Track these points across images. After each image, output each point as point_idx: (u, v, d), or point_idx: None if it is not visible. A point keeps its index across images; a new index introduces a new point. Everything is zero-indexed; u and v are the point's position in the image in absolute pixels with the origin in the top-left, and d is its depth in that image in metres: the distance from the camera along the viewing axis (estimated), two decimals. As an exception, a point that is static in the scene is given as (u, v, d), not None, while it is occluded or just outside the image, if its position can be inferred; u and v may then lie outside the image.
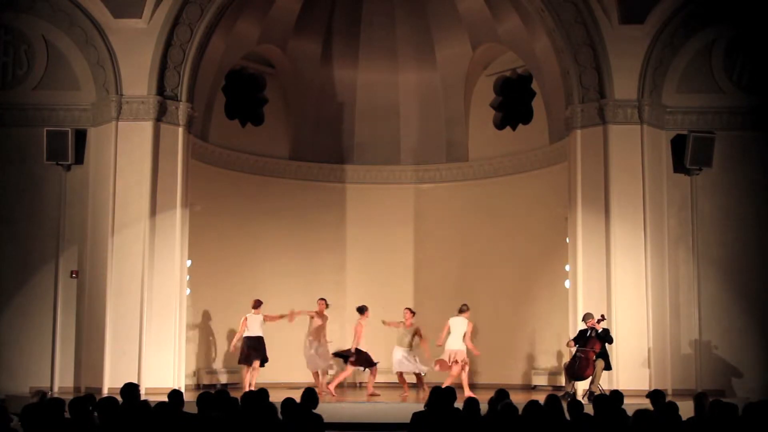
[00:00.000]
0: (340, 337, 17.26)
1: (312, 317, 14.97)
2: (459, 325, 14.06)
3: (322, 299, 15.10)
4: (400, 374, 14.71)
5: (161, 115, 14.18)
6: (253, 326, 14.34)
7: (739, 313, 14.39)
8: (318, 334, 14.91)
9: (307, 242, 17.70)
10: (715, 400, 8.00)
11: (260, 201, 17.37)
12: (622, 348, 13.72)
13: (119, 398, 8.02)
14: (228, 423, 7.28)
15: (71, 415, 7.36)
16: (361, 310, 14.71)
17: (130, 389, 8.18)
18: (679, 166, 14.46)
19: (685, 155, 14.24)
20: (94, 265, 14.00)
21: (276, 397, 7.74)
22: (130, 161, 13.97)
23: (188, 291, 14.81)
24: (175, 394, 8.38)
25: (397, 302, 16.12)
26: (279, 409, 7.45)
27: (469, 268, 17.56)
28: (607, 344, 13.26)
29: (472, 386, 14.61)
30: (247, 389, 13.57)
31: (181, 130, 14.35)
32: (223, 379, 16.44)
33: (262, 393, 7.92)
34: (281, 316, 14.83)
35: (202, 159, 16.00)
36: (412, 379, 14.98)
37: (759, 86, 14.67)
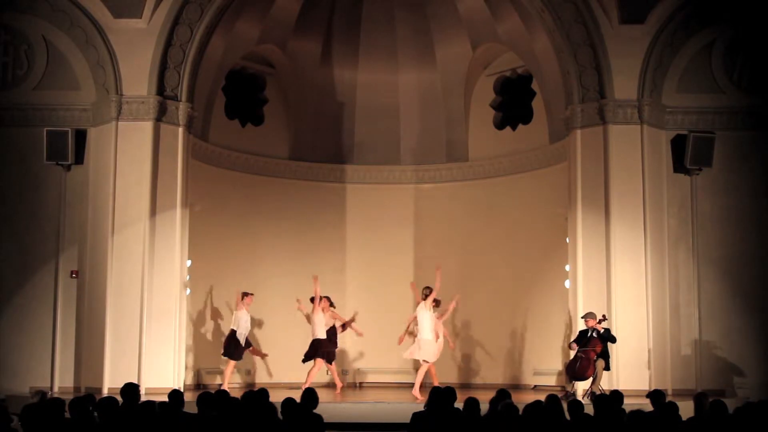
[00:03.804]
0: (340, 337, 17.25)
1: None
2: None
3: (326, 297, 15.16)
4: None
5: (161, 115, 14.18)
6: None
7: (739, 313, 14.40)
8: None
9: (307, 242, 17.69)
10: (715, 400, 8.00)
11: (260, 201, 17.36)
12: (622, 348, 13.72)
13: (119, 398, 8.02)
14: (228, 423, 7.28)
15: (71, 415, 7.37)
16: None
17: (130, 389, 8.17)
18: (679, 166, 14.46)
19: (685, 155, 14.24)
20: (94, 265, 14.00)
21: (276, 397, 7.75)
22: (130, 161, 13.97)
23: (188, 291, 14.81)
24: (175, 394, 8.38)
25: (397, 302, 16.11)
26: (279, 409, 7.45)
27: (469, 268, 17.54)
28: (609, 344, 13.24)
29: (472, 386, 14.57)
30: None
31: (181, 130, 14.35)
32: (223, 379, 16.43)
33: (262, 393, 7.92)
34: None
35: (202, 159, 15.99)
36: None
37: (759, 86, 14.68)
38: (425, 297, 13.76)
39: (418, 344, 13.62)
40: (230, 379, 14.71)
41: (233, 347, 14.60)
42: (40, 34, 14.48)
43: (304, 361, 14.68)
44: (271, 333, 16.52)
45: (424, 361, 13.63)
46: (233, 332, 14.63)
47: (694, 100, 14.64)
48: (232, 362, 14.72)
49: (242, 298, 14.69)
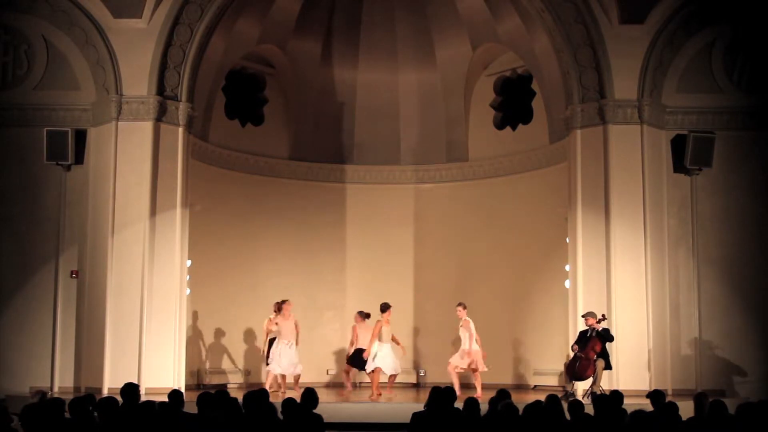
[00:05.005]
0: (340, 337, 17.29)
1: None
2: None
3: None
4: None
5: (161, 115, 14.17)
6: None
7: (739, 313, 14.40)
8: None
9: (307, 242, 17.70)
10: (715, 400, 8.00)
11: (260, 201, 17.36)
12: (622, 348, 13.72)
13: (119, 398, 8.02)
14: (228, 423, 7.28)
15: (71, 415, 7.37)
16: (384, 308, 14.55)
17: (130, 389, 8.18)
18: (679, 166, 14.46)
19: (685, 155, 14.24)
20: (94, 265, 14.00)
21: (276, 397, 7.75)
22: (130, 161, 13.97)
23: (188, 291, 14.81)
24: (175, 394, 8.38)
25: (397, 302, 16.07)
26: (279, 409, 7.45)
27: (468, 268, 17.56)
28: (607, 343, 13.25)
29: (472, 386, 14.55)
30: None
31: (181, 130, 14.35)
32: (224, 379, 16.45)
33: (262, 393, 7.92)
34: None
35: (202, 159, 15.99)
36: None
37: (759, 86, 14.68)
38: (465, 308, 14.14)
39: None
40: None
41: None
42: (40, 34, 14.48)
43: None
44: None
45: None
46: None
47: (694, 100, 14.65)
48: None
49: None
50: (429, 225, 18.05)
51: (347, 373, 15.59)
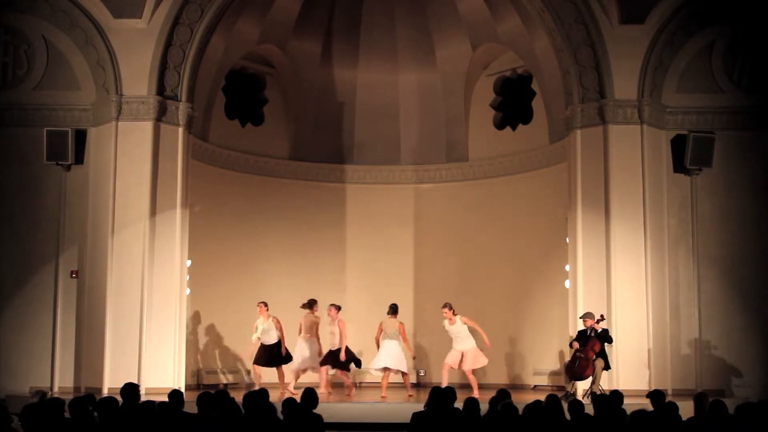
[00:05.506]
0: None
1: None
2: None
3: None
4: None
5: (161, 115, 14.18)
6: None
7: (739, 312, 14.40)
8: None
9: (307, 242, 17.70)
10: (715, 400, 8.00)
11: (260, 201, 17.37)
12: (622, 348, 13.73)
13: (119, 398, 8.02)
14: (228, 423, 7.28)
15: (71, 415, 7.37)
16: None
17: (130, 389, 8.18)
18: (679, 166, 14.47)
19: (685, 155, 14.24)
20: (94, 265, 14.01)
21: (276, 397, 7.75)
22: (130, 161, 13.98)
23: (188, 291, 14.81)
24: (175, 394, 8.38)
25: (396, 302, 16.10)
26: (279, 409, 7.45)
27: (469, 269, 17.56)
28: (606, 344, 13.25)
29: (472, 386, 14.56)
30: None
31: (181, 130, 14.35)
32: (224, 379, 16.45)
33: (262, 393, 7.92)
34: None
35: (202, 159, 16.00)
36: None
37: (759, 86, 14.69)
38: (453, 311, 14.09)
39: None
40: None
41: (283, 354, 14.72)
42: (40, 34, 14.48)
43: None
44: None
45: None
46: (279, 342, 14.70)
47: (694, 100, 14.65)
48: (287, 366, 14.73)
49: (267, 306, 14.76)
50: (429, 225, 18.05)
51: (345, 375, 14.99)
